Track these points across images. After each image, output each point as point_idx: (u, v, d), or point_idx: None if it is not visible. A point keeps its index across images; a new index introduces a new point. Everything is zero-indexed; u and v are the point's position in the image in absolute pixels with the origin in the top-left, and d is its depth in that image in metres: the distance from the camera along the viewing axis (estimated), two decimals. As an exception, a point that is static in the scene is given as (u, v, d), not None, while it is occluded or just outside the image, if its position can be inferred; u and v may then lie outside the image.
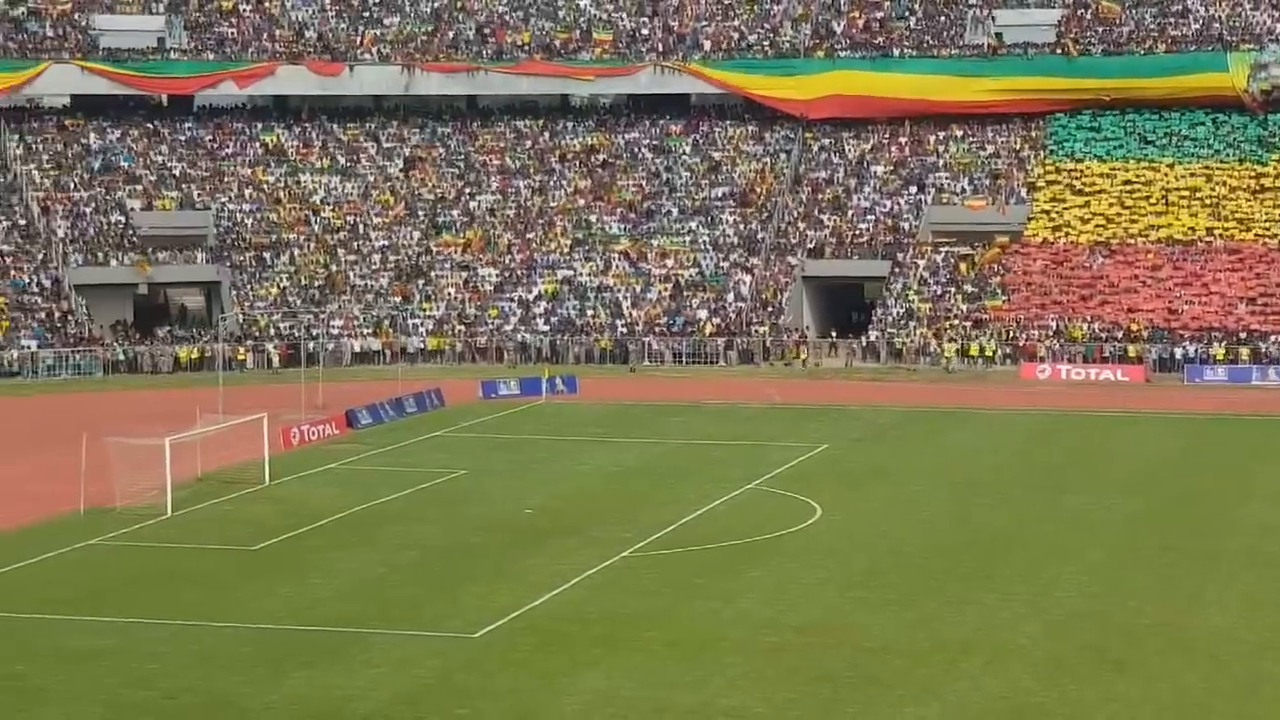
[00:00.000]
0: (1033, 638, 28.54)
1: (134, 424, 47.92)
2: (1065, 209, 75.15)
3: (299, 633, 31.33)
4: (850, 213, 79.20)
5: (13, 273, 73.88)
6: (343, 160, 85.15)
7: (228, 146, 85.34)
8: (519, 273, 78.17)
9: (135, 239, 76.60)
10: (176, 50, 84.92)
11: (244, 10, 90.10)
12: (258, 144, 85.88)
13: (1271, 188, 74.04)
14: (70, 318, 72.49)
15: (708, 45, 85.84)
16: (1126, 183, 76.07)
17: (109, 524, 41.65)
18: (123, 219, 78.09)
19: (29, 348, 69.81)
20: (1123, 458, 52.17)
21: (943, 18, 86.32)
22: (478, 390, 64.35)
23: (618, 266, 78.21)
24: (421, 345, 73.38)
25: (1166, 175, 75.74)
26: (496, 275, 77.59)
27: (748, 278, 75.88)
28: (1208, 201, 73.93)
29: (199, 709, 25.31)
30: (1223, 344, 66.65)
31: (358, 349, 72.59)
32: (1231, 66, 76.59)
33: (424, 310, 76.19)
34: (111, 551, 39.36)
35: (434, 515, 43.76)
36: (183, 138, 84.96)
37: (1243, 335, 66.88)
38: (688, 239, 78.94)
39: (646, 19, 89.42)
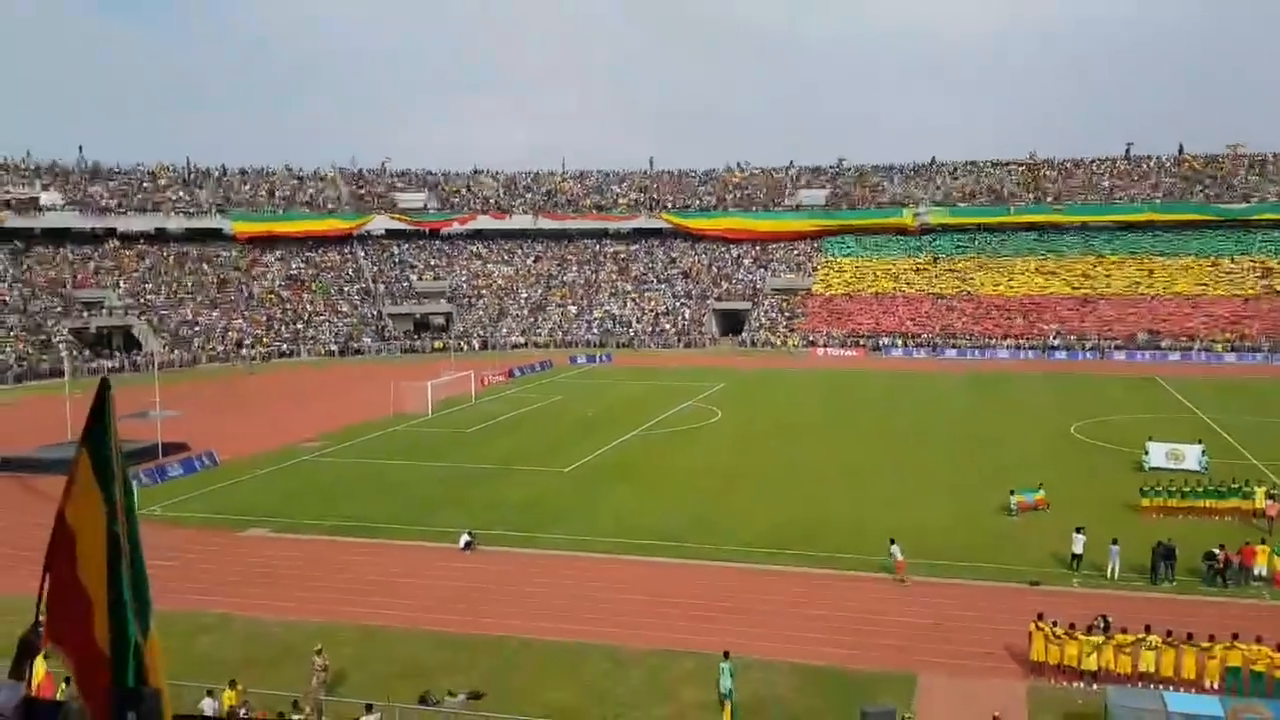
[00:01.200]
0: (814, 467, 42.46)
1: (414, 374, 62.89)
2: (830, 278, 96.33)
3: (484, 468, 42.91)
4: (734, 280, 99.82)
5: (358, 309, 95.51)
6: (506, 258, 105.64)
7: (456, 251, 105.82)
8: (585, 308, 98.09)
9: (414, 291, 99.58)
10: (433, 208, 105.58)
11: (458, 188, 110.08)
12: (469, 250, 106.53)
13: (922, 269, 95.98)
14: (386, 328, 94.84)
15: (669, 204, 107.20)
16: (857, 268, 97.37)
17: (402, 420, 54.62)
18: (408, 284, 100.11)
19: (369, 342, 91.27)
20: (855, 387, 69.43)
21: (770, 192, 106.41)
22: (567, 360, 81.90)
23: (631, 305, 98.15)
24: (541, 341, 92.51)
25: (875, 266, 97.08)
26: (575, 309, 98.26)
27: (687, 310, 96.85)
28: (891, 274, 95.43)
29: (432, 500, 39.86)
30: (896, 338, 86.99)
31: (513, 342, 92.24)
32: (904, 214, 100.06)
33: (544, 324, 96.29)
34: (404, 431, 51.83)
35: (548, 416, 55.82)
36: (435, 247, 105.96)
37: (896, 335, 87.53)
38: (662, 292, 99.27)
39: (640, 194, 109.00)
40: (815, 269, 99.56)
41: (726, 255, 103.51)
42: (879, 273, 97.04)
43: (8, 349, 74.73)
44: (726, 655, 22.13)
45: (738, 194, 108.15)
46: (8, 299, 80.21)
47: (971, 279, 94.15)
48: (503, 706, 21.58)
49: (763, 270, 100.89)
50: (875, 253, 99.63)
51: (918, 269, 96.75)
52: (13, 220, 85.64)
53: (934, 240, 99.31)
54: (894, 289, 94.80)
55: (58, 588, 5.00)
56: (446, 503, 37.74)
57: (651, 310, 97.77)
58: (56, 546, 5.09)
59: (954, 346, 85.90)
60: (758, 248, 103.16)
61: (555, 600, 27.99)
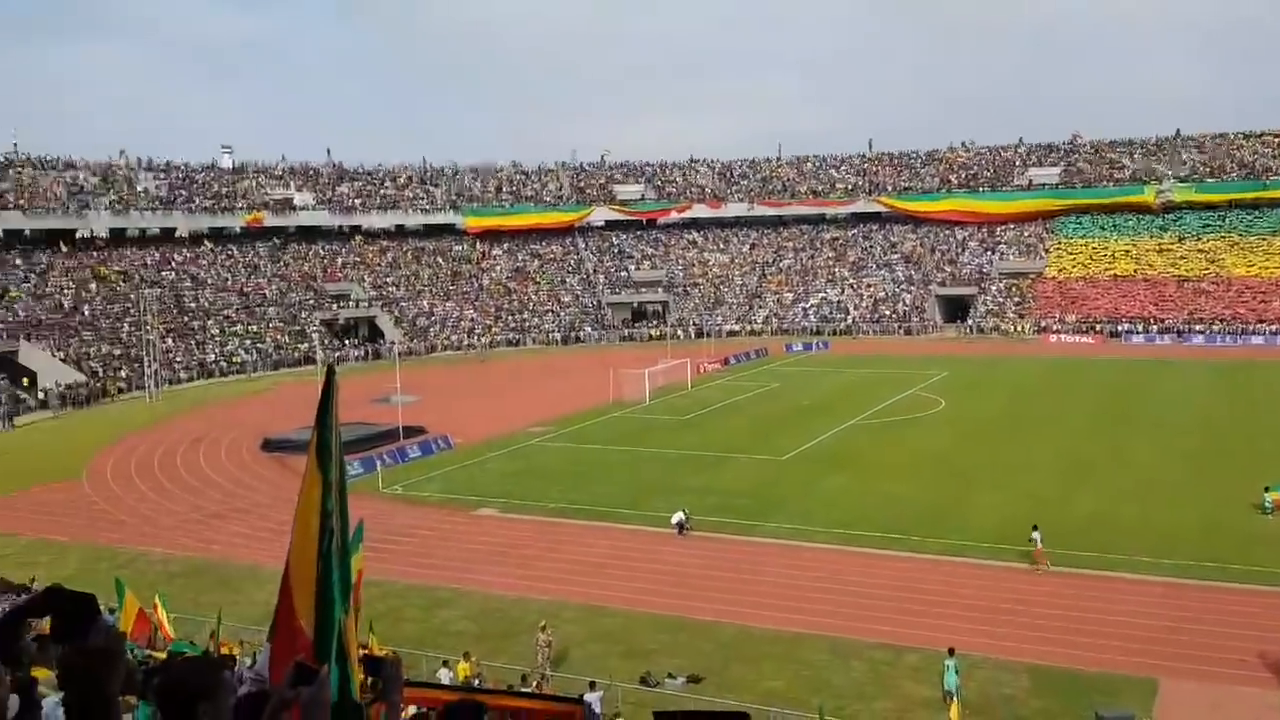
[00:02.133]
0: (1044, 459, 40.46)
1: (632, 362, 63.10)
2: (1064, 260, 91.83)
3: (700, 455, 43.09)
4: (959, 264, 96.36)
5: (579, 299, 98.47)
6: (722, 246, 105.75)
7: (673, 241, 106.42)
8: (801, 295, 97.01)
9: (631, 281, 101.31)
10: (650, 198, 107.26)
11: (674, 178, 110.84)
12: (685, 239, 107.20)
13: (1166, 249, 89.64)
14: (605, 317, 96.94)
15: (889, 187, 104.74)
16: (1093, 250, 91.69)
17: (621, 407, 56.11)
18: (626, 273, 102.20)
19: (589, 331, 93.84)
20: (1090, 375, 65.13)
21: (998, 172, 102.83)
22: (783, 348, 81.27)
23: (849, 292, 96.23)
24: (756, 328, 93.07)
25: (1114, 247, 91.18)
26: (791, 296, 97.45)
27: (908, 296, 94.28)
28: (1131, 256, 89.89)
29: (651, 485, 45.83)
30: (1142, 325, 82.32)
31: (729, 329, 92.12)
32: (1146, 191, 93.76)
33: (759, 312, 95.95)
34: (623, 418, 53.27)
35: (763, 404, 56.14)
36: (652, 237, 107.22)
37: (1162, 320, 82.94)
38: (881, 278, 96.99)
39: (858, 177, 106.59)
40: (1047, 251, 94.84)
41: (950, 238, 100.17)
42: (1118, 254, 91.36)
43: (267, 339, 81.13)
44: (951, 652, 21.51)
45: (962, 174, 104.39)
46: (267, 292, 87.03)
47: (1221, 259, 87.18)
48: (721, 691, 21.74)
49: (990, 253, 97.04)
50: (1113, 233, 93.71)
51: (1161, 249, 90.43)
52: (270, 219, 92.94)
53: (1179, 219, 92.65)
54: (1134, 271, 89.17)
55: (294, 560, 5.37)
56: (664, 488, 38.30)
57: (870, 296, 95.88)
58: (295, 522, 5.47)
59: (1201, 332, 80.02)
60: (984, 230, 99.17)
61: (773, 588, 27.92)
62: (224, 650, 16.25)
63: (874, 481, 38.37)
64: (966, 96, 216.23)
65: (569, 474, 41.39)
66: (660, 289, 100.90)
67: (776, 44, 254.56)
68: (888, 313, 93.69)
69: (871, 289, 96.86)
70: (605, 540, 32.65)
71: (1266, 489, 33.39)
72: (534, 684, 21.00)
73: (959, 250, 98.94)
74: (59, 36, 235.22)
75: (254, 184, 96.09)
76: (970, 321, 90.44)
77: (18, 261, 75.70)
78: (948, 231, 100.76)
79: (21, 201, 78.10)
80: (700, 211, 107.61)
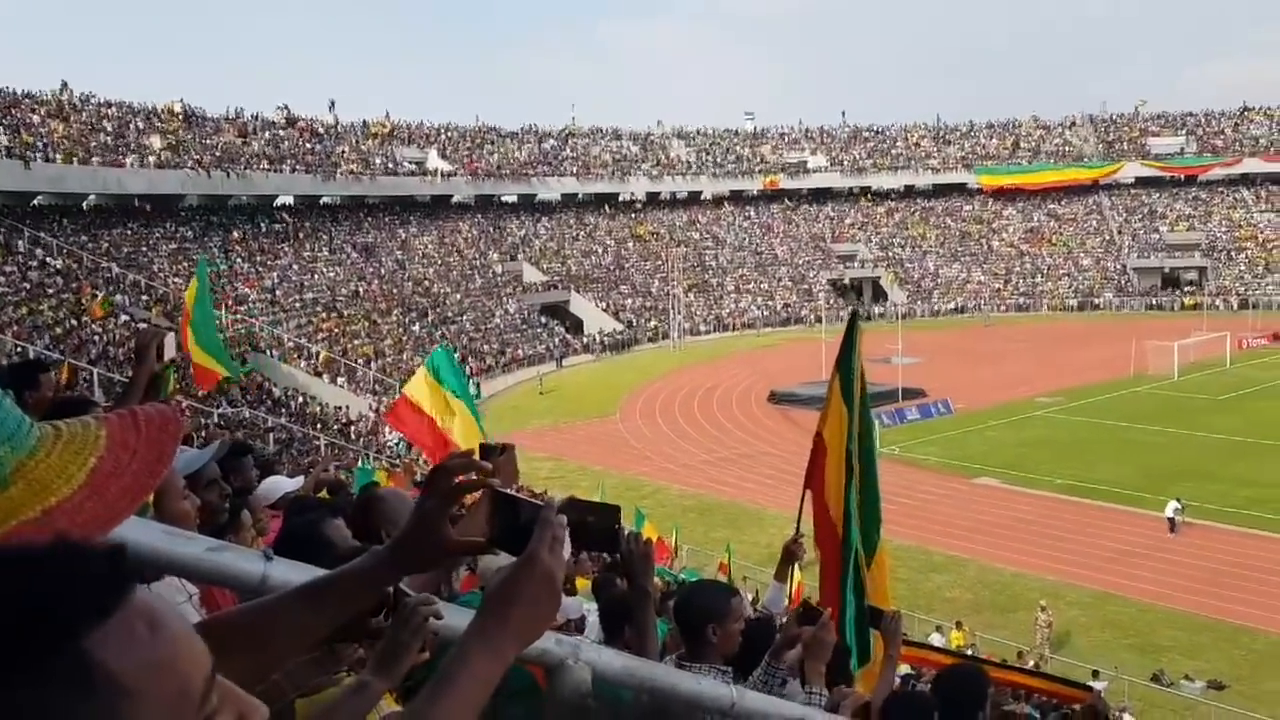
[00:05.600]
0: None
1: (1159, 333, 57.06)
2: None
3: (1233, 440, 38.67)
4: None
5: (1100, 262, 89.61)
6: (1278, 205, 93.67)
7: (1215, 199, 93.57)
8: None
9: (1163, 244, 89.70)
10: (1190, 152, 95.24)
11: (1222, 129, 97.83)
12: (1231, 197, 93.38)
13: None
14: (1129, 282, 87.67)
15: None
16: None
17: (1145, 380, 51.51)
18: (1157, 235, 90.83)
19: (1109, 298, 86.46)
20: None
21: None
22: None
23: None
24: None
25: None
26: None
27: None
28: None
29: (1173, 469, 36.74)
30: None
31: (1279, 302, 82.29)
32: None
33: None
34: (1145, 393, 48.79)
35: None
36: (1190, 195, 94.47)
37: None
38: None
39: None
40: None
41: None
42: None
43: (776, 296, 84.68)
44: None
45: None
46: (778, 252, 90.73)
47: None
48: (1246, 702, 19.30)
49: None
50: None
51: None
52: (785, 182, 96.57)
53: None
54: None
55: (818, 499, 5.56)
56: (1188, 474, 34.50)
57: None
58: (814, 464, 5.63)
59: None
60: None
61: (1324, 599, 24.06)
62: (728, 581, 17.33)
63: None
64: None
65: (1078, 450, 38.76)
66: (1197, 253, 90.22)
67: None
68: None
69: None
70: (1120, 524, 30.23)
71: None
72: (1032, 663, 20.07)
73: None
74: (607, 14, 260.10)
75: (771, 148, 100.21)
76: None
77: (571, 221, 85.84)
78: None
79: (577, 168, 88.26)
80: (1253, 166, 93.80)
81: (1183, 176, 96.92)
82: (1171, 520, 29.10)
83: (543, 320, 70.31)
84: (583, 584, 8.33)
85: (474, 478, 1.72)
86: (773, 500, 31.08)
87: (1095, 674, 19.25)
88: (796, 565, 18.35)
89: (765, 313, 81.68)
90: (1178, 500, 29.67)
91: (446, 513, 1.71)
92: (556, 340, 68.22)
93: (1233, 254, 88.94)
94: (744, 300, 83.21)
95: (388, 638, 2.09)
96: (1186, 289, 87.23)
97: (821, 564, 5.51)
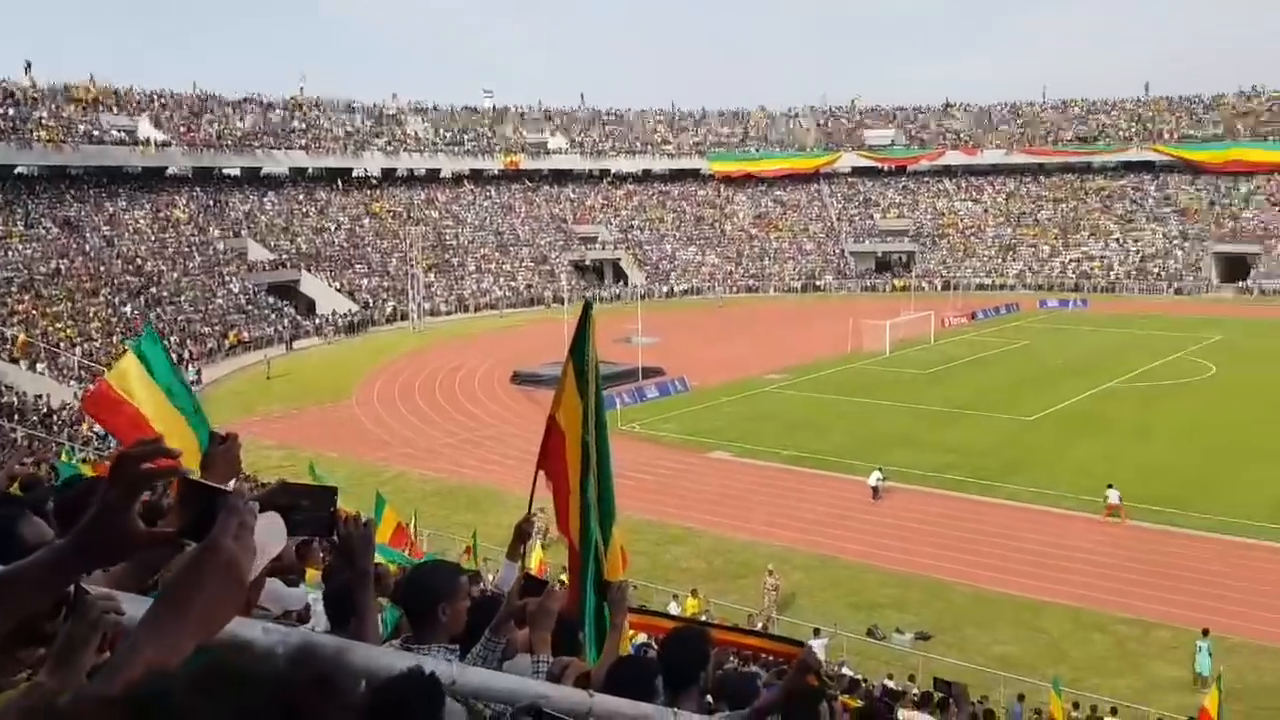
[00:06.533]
0: None
1: (874, 313, 61.22)
2: None
3: (939, 411, 43.89)
4: (1241, 220, 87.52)
5: (822, 246, 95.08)
6: (975, 195, 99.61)
7: (922, 189, 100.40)
8: (1059, 248, 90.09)
9: (877, 230, 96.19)
10: (900, 144, 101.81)
11: (927, 123, 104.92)
12: (936, 187, 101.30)
13: None
14: (847, 266, 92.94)
15: (1166, 134, 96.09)
16: None
17: (861, 357, 55.28)
18: (871, 222, 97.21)
19: (830, 280, 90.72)
20: None
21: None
22: (1035, 304, 77.15)
23: (1114, 246, 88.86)
24: (1008, 283, 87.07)
25: None
26: (1048, 249, 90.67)
27: (1180, 253, 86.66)
28: None
29: (886, 438, 39.38)
30: None
31: (978, 283, 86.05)
32: None
33: (1012, 266, 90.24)
34: (862, 368, 52.53)
35: (1011, 362, 53.96)
36: (900, 184, 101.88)
37: None
38: (1151, 232, 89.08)
39: (1131, 123, 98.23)
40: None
41: (1233, 192, 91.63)
42: None
43: (519, 276, 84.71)
44: (1206, 633, 20.08)
45: (1251, 121, 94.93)
46: (520, 232, 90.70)
47: None
48: (950, 650, 21.22)
49: (1278, 209, 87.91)
50: None
51: None
52: (526, 162, 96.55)
53: None
54: None
55: (559, 485, 5.61)
56: (899, 441, 37.45)
57: (1137, 252, 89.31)
58: (547, 448, 5.69)
59: None
60: (1273, 183, 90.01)
61: (1012, 552, 26.88)
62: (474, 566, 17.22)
63: (1129, 449, 36.05)
64: (1254, 35, 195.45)
65: (804, 422, 41.11)
66: (907, 238, 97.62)
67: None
68: (1156, 270, 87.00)
69: (1140, 244, 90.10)
70: (838, 490, 32.28)
71: None
72: (760, 625, 21.21)
73: (1242, 204, 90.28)
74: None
75: (512, 128, 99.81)
76: (1251, 282, 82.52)
77: (301, 197, 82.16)
78: (1230, 183, 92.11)
79: (306, 141, 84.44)
80: (954, 158, 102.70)
81: (893, 167, 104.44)
82: (875, 489, 31.11)
83: (271, 301, 67.04)
84: (313, 574, 8.03)
85: (164, 465, 1.64)
86: (517, 482, 30.90)
87: (816, 632, 20.60)
88: (539, 543, 18.49)
89: (507, 293, 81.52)
90: (879, 470, 31.81)
91: (131, 502, 1.61)
92: (286, 322, 65.27)
93: (937, 240, 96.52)
94: (486, 280, 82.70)
95: (63, 635, 1.93)
96: (897, 272, 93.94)
97: (569, 549, 5.58)
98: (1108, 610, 23.06)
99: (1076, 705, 18.02)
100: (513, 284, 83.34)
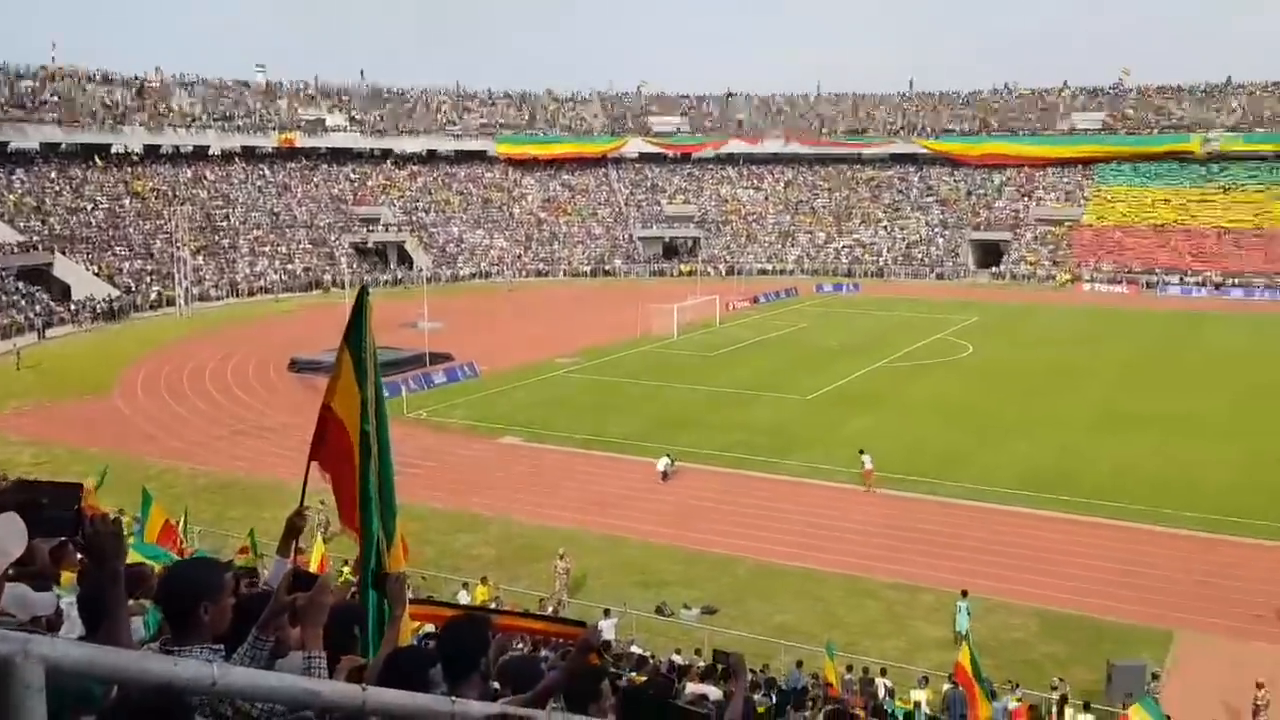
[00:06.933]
0: (1072, 409, 40.03)
1: (662, 297, 62.45)
2: (1103, 208, 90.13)
3: (726, 392, 43.84)
4: (995, 209, 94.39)
5: (610, 231, 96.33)
6: (756, 183, 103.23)
7: (707, 176, 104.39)
8: (834, 235, 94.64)
9: (664, 215, 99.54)
10: (685, 132, 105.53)
11: (711, 111, 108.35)
12: (720, 174, 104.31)
13: (1209, 200, 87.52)
14: (635, 251, 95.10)
15: (928, 128, 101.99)
16: (1133, 198, 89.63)
17: (650, 340, 56.27)
18: (658, 207, 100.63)
19: (619, 265, 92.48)
20: (1124, 326, 63.73)
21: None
22: (813, 288, 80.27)
23: (883, 234, 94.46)
24: (787, 268, 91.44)
25: (1155, 195, 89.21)
26: (824, 236, 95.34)
27: (941, 240, 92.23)
28: (1172, 206, 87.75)
29: (676, 419, 43.86)
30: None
31: (760, 268, 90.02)
32: (1192, 139, 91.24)
33: (791, 251, 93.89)
34: (651, 351, 53.60)
35: (791, 344, 56.16)
36: (686, 171, 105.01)
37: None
38: (915, 220, 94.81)
39: (898, 117, 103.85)
40: (1086, 199, 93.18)
41: (988, 183, 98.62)
42: (1158, 203, 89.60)
43: (296, 260, 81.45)
44: (964, 594, 21.62)
45: (1003, 117, 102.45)
46: (297, 214, 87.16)
47: (1267, 212, 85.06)
48: (734, 623, 21.98)
49: (1027, 199, 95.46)
50: (1155, 181, 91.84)
51: (1204, 200, 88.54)
52: (302, 140, 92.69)
53: (1224, 169, 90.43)
54: (1175, 221, 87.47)
55: (339, 477, 5.42)
56: (689, 423, 38.39)
57: (903, 239, 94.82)
58: (322, 438, 5.49)
59: (1241, 286, 78.58)
60: (1022, 175, 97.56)
61: (792, 526, 28.05)
62: (251, 564, 16.49)
63: (898, 424, 38.33)
64: (1010, 35, 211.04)
65: (594, 406, 41.51)
66: (692, 224, 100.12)
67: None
68: (920, 256, 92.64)
69: (905, 231, 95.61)
70: (632, 472, 32.73)
71: (1297, 446, 32.93)
72: (551, 609, 21.33)
73: (995, 195, 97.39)
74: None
75: (287, 104, 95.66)
76: (1003, 267, 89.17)
77: (54, 174, 76.04)
78: (985, 175, 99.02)
79: (59, 114, 78.13)
80: (736, 147, 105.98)
81: (679, 154, 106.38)
82: (664, 473, 31.70)
83: (20, 286, 61.81)
84: (69, 576, 7.47)
85: None
86: (297, 475, 29.57)
87: (606, 612, 20.91)
88: (320, 537, 17.76)
89: (284, 277, 78.26)
90: (668, 455, 32.38)
91: None
92: (38, 308, 60.41)
93: (721, 226, 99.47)
94: (260, 264, 79.07)
95: None
96: (683, 257, 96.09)
97: (357, 541, 5.39)
98: (878, 577, 24.47)
99: (850, 667, 19.02)
100: (289, 267, 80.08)
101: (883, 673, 18.92)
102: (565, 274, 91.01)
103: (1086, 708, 17.50)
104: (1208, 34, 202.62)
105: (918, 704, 17.46)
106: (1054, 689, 18.24)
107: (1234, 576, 24.57)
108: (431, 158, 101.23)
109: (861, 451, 31.21)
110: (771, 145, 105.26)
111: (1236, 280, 79.56)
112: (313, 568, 21.18)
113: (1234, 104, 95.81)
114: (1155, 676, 18.87)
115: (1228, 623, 22.08)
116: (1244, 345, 56.32)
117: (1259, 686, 18.13)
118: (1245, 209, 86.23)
